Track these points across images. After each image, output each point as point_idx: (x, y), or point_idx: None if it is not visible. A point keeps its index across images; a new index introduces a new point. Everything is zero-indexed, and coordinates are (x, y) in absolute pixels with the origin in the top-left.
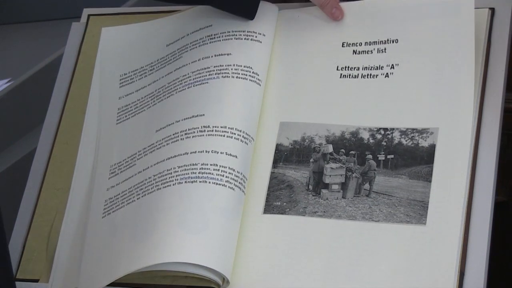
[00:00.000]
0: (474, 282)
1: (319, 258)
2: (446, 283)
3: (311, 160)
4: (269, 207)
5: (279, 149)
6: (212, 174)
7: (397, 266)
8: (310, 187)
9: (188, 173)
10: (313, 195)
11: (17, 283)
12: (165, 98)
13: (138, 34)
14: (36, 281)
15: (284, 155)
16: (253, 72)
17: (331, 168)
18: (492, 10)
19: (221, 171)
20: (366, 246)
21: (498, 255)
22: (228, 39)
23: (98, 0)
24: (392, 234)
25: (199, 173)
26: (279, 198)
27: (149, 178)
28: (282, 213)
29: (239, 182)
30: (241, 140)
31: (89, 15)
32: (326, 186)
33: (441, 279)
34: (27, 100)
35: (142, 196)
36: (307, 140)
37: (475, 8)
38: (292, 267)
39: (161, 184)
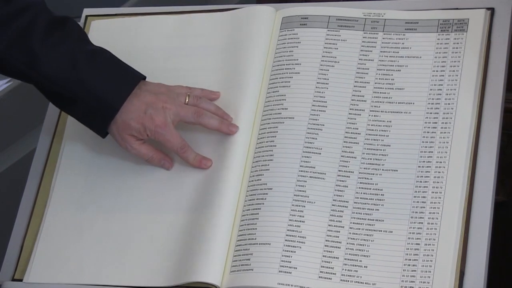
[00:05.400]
0: (474, 282)
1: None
2: (445, 282)
3: None
4: None
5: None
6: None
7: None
8: None
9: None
10: None
11: (14, 283)
12: None
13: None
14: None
15: None
16: None
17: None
18: (492, 10)
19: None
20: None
21: (498, 255)
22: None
23: (98, 0)
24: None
25: None
26: None
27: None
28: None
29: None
30: None
31: (86, 16)
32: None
33: (440, 278)
34: (27, 100)
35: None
36: None
37: (475, 8)
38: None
39: None
